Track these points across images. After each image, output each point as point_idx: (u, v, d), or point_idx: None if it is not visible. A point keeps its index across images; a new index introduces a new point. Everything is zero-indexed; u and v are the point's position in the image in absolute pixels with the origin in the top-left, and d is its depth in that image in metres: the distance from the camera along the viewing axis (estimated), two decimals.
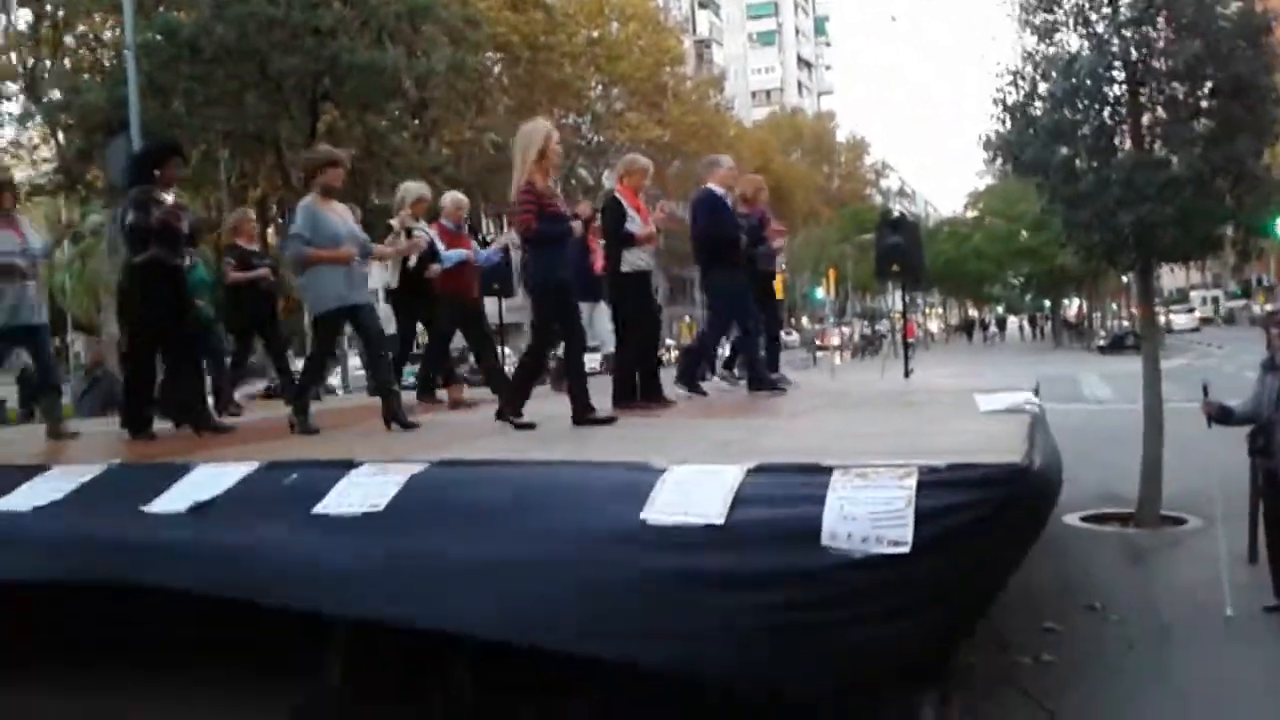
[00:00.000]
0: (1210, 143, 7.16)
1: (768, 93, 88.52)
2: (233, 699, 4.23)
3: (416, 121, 20.45)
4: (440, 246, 7.40)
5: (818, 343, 44.70)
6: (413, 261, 7.37)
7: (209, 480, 4.18)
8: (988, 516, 3.39)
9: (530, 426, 5.47)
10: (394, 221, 7.30)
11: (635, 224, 6.62)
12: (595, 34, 35.89)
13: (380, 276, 7.88)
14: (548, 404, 7.23)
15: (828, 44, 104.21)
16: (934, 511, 3.25)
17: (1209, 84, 7.28)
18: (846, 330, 45.05)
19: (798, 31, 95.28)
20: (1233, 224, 7.65)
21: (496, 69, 29.53)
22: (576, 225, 6.03)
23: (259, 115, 18.57)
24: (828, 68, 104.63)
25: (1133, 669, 4.61)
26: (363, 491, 3.93)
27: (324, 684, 4.05)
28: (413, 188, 7.68)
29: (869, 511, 3.27)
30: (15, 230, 6.20)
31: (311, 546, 3.76)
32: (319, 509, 3.85)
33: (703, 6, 79.27)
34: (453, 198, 7.96)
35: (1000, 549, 3.68)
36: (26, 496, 4.32)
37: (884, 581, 3.22)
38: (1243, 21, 7.21)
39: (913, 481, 3.33)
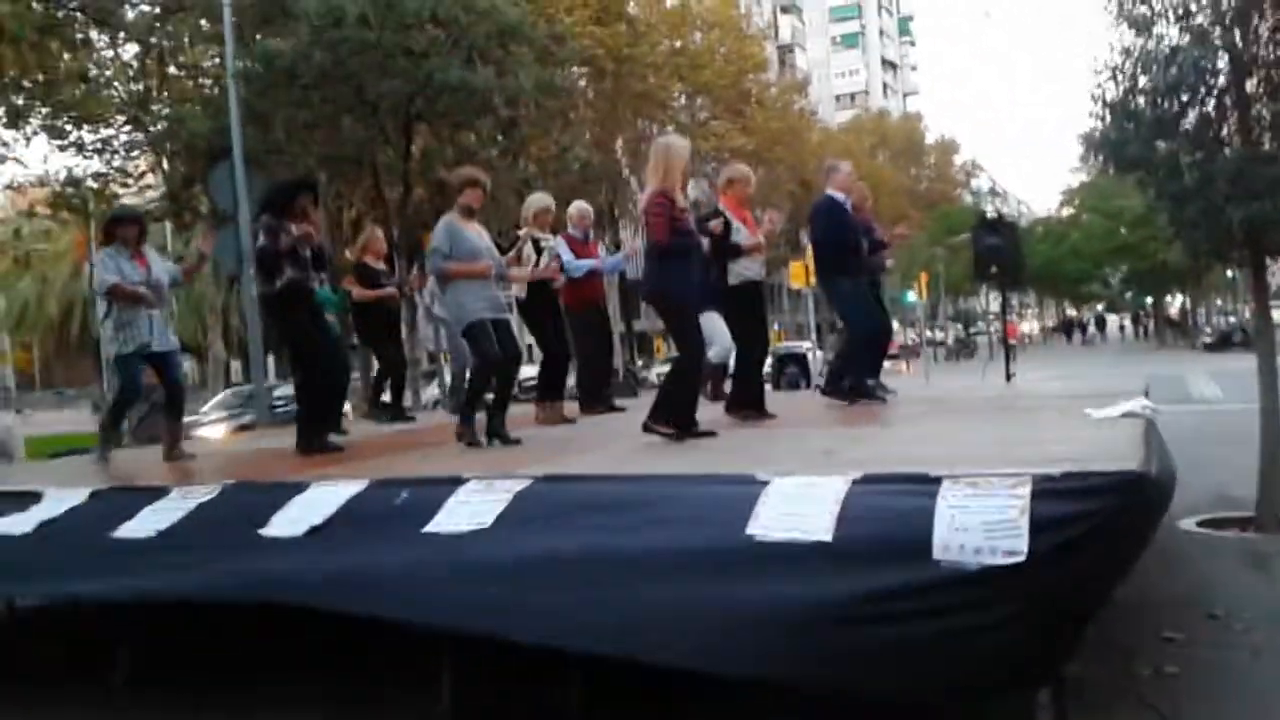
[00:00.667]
0: None
1: (852, 96, 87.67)
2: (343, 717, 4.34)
3: (504, 138, 20.76)
4: (569, 256, 7.51)
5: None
6: (544, 271, 7.50)
7: (322, 500, 4.31)
8: (1104, 525, 3.34)
9: (711, 434, 5.55)
10: (521, 232, 7.48)
11: (741, 235, 6.64)
12: (678, 44, 35.99)
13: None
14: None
15: (912, 44, 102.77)
16: (1049, 521, 3.20)
17: None
18: (929, 334, 44.21)
19: (881, 33, 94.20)
20: None
21: (582, 83, 29.80)
22: (703, 239, 6.13)
23: (356, 138, 19.06)
24: (913, 68, 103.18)
25: (1259, 678, 4.45)
26: (470, 509, 4.01)
27: (434, 704, 4.13)
28: (536, 199, 7.84)
29: (982, 521, 3.22)
30: (141, 261, 6.64)
31: (421, 563, 3.85)
32: (430, 528, 3.93)
33: (785, 11, 78.88)
34: (578, 207, 8.10)
35: (1115, 557, 3.61)
36: (149, 520, 4.49)
37: (998, 592, 3.18)
38: None
39: (1026, 490, 3.28)
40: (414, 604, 3.79)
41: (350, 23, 17.28)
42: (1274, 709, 4.14)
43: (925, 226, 58.69)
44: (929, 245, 52.70)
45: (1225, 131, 7.28)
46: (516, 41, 19.03)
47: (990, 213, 13.65)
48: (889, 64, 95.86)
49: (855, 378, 7.53)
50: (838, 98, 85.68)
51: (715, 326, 8.86)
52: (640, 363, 39.84)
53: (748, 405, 6.69)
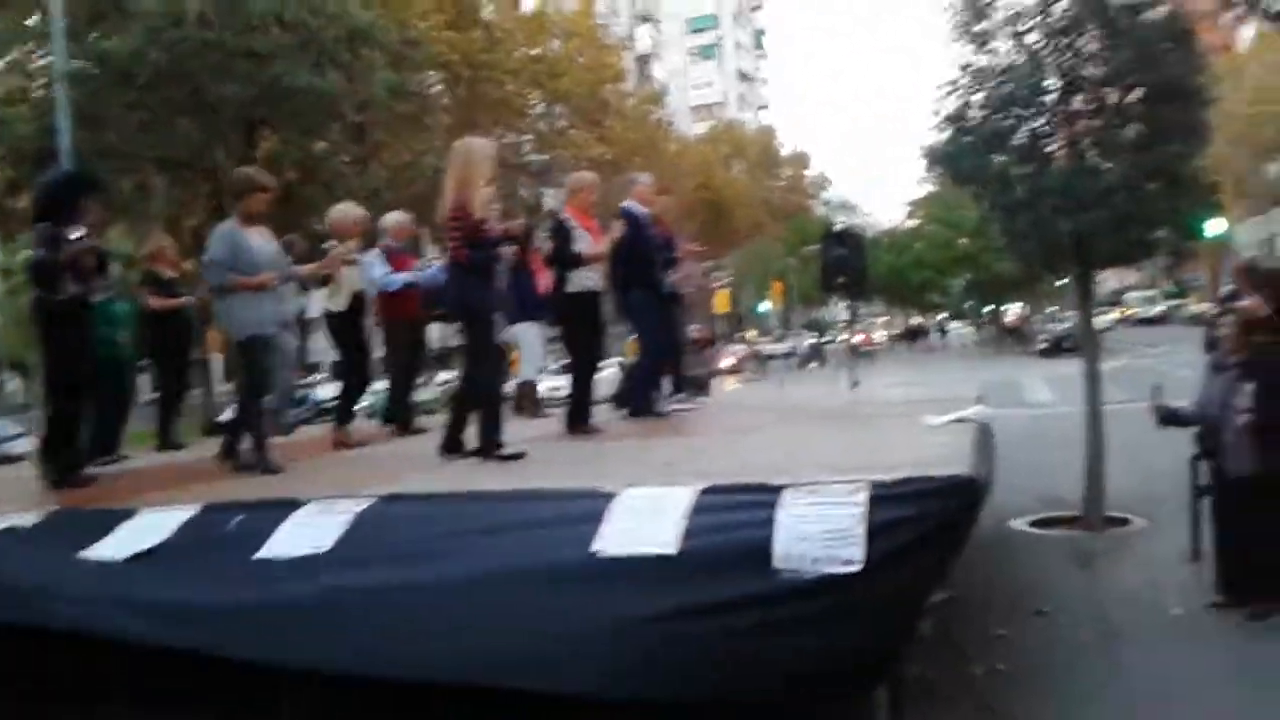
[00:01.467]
0: (1142, 148, 7.29)
1: (708, 107, 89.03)
2: None
3: (354, 144, 20.25)
4: (383, 270, 7.25)
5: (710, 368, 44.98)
6: (359, 284, 7.07)
7: (150, 526, 4.07)
8: (936, 528, 3.44)
9: (519, 456, 5.26)
10: (328, 245, 7.07)
11: (584, 243, 6.53)
12: (535, 51, 35.84)
13: (319, 303, 7.62)
14: (516, 428, 7.17)
15: (764, 57, 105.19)
16: (884, 526, 3.28)
17: (1139, 89, 7.42)
18: (782, 342, 45.33)
19: (737, 45, 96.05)
20: (1167, 227, 7.79)
21: (437, 88, 29.36)
22: (506, 251, 5.78)
23: (194, 142, 18.28)
24: (765, 81, 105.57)
25: (1084, 672, 4.65)
26: (308, 532, 3.85)
27: None
28: (342, 210, 7.38)
29: (821, 530, 3.28)
30: None
31: (256, 593, 3.68)
32: (263, 554, 3.76)
33: (643, 21, 79.65)
34: (395, 218, 7.79)
35: (945, 557, 3.72)
36: None
37: (836, 599, 3.24)
38: (1170, 25, 7.37)
39: (864, 497, 3.35)
40: (246, 638, 3.62)
41: (190, 22, 16.59)
42: (1098, 702, 4.32)
43: (779, 237, 60.18)
44: (783, 255, 54.00)
45: (1053, 147, 7.65)
46: (367, 45, 18.60)
47: (838, 225, 14.04)
48: (744, 76, 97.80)
49: (638, 398, 7.35)
50: (694, 109, 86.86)
51: (528, 340, 8.73)
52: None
53: (585, 419, 6.57)
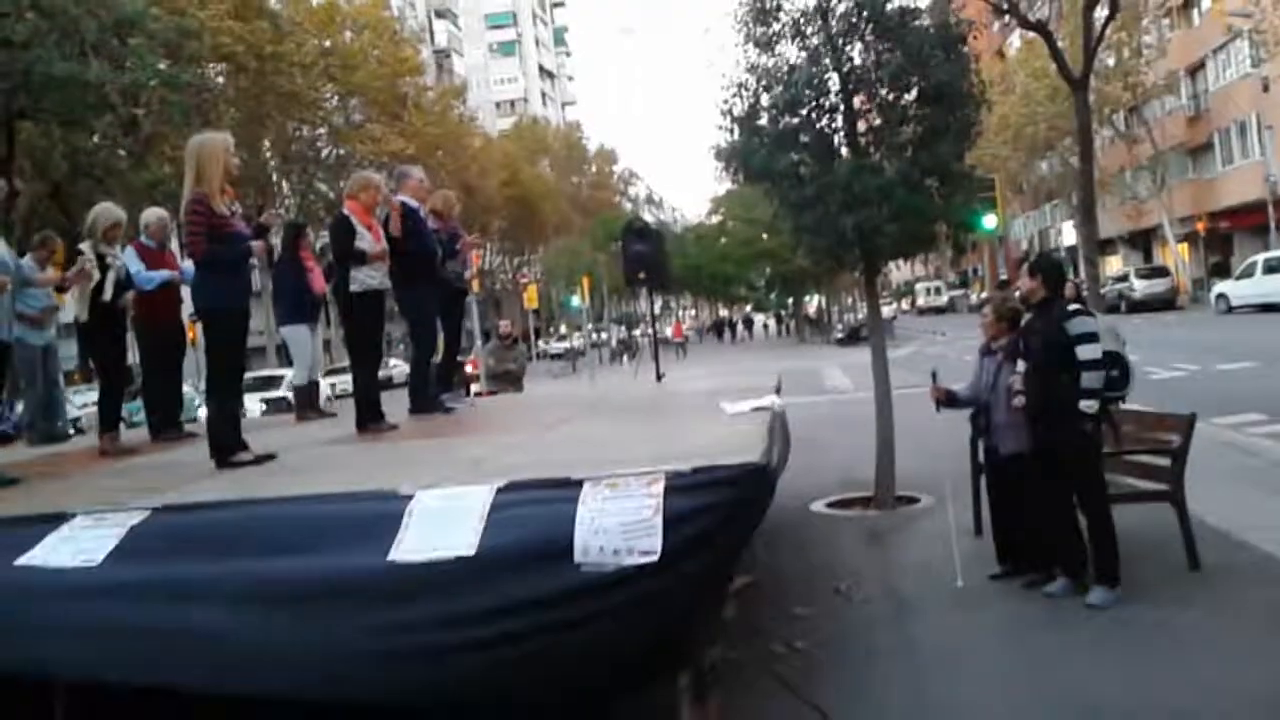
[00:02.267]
0: (918, 146, 7.70)
1: (511, 103, 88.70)
2: None
3: (127, 137, 19.01)
4: (139, 267, 6.83)
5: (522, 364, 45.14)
6: (108, 292, 6.58)
7: None
8: (731, 515, 3.52)
9: (268, 458, 5.12)
10: (84, 246, 6.62)
11: (366, 241, 6.42)
12: (327, 43, 34.76)
13: (71, 308, 7.12)
14: (288, 434, 6.89)
15: (568, 54, 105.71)
16: (681, 515, 3.32)
17: (914, 91, 7.83)
18: (593, 336, 45.68)
19: (538, 42, 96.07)
20: (944, 221, 8.25)
21: (220, 80, 28.01)
22: (258, 245, 5.55)
23: None
24: (570, 78, 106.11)
25: (876, 645, 4.86)
26: (76, 546, 3.59)
27: None
28: (104, 211, 6.87)
29: (619, 523, 3.29)
30: None
31: (20, 604, 3.42)
32: (24, 561, 3.49)
33: (440, 16, 78.41)
34: (155, 214, 7.37)
35: (740, 542, 3.82)
36: None
37: (637, 589, 3.26)
38: (940, 32, 7.81)
39: (660, 488, 3.38)
40: (20, 658, 3.39)
41: None
42: (889, 671, 4.53)
43: (586, 233, 60.54)
44: (591, 250, 54.36)
45: (837, 145, 7.97)
46: (136, 34, 17.47)
47: (638, 221, 14.22)
48: (546, 73, 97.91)
49: (419, 394, 7.26)
50: (498, 104, 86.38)
51: (300, 341, 8.45)
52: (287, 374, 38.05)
53: (376, 419, 6.43)
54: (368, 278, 6.41)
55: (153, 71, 17.29)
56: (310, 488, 4.22)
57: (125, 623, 3.37)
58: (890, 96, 7.85)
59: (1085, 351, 5.20)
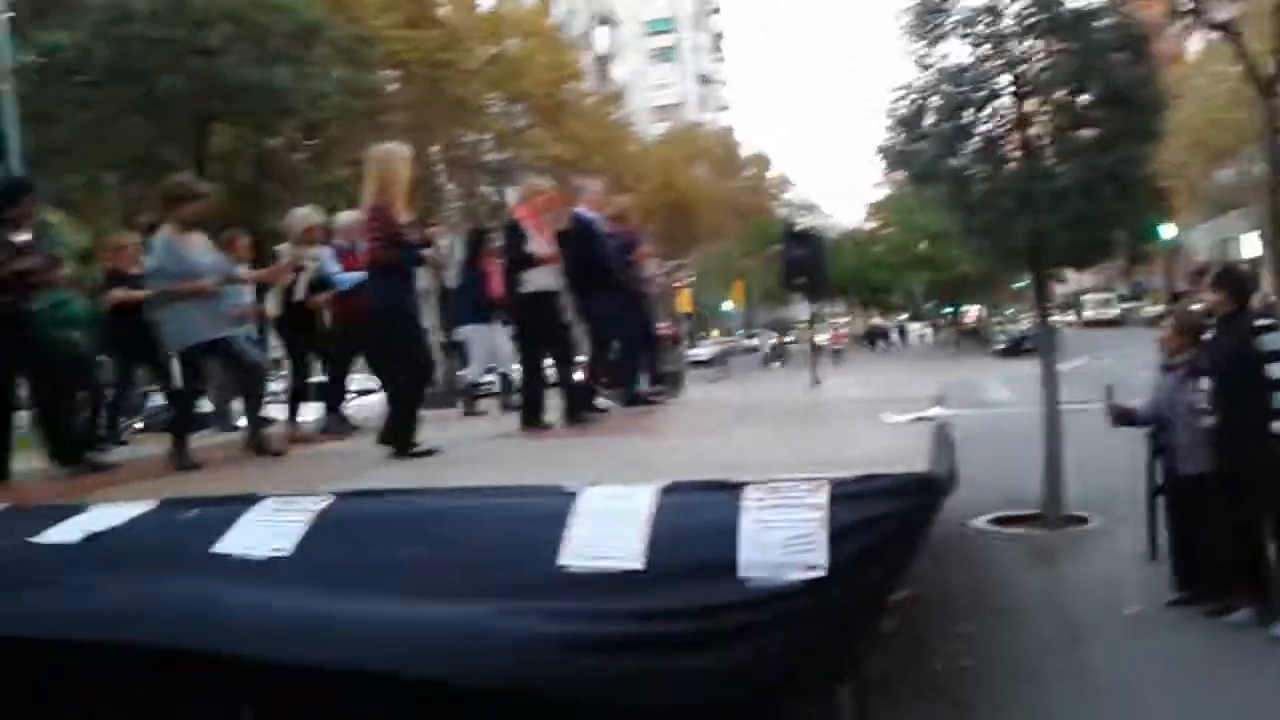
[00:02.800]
0: (1097, 151, 7.35)
1: (668, 108, 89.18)
2: None
3: (310, 142, 20.05)
4: (336, 269, 7.17)
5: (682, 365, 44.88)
6: (300, 291, 7.03)
7: (103, 521, 3.98)
8: (896, 526, 3.42)
9: (430, 453, 5.29)
10: (283, 248, 7.05)
11: (536, 245, 6.56)
12: (494, 51, 35.70)
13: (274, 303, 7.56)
14: (457, 428, 7.11)
15: (723, 60, 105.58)
16: (846, 526, 3.24)
17: (1092, 93, 7.49)
18: (745, 341, 45.41)
19: (696, 47, 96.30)
20: (1121, 229, 7.88)
21: (394, 87, 29.15)
22: (429, 253, 6.00)
23: (145, 139, 17.99)
24: (724, 83, 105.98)
25: (1046, 669, 4.67)
26: (268, 529, 3.77)
27: None
28: (301, 214, 7.37)
29: (783, 538, 3.23)
30: None
31: (215, 587, 3.58)
32: (219, 548, 3.68)
33: (602, 23, 79.59)
34: (351, 216, 7.72)
35: (905, 554, 3.71)
36: None
37: (800, 603, 3.20)
38: (1120, 33, 7.44)
39: (824, 497, 3.31)
40: (207, 632, 3.52)
41: (138, 18, 16.30)
42: (1061, 698, 4.34)
43: (741, 237, 60.33)
44: (745, 255, 54.19)
45: (1008, 148, 7.70)
46: (318, 42, 18.40)
47: (799, 225, 14.07)
48: (703, 78, 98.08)
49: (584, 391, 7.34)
50: (654, 110, 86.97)
51: (475, 341, 8.81)
52: (461, 372, 39.24)
53: (571, 415, 6.65)
54: (539, 280, 6.56)
55: (334, 79, 18.16)
56: (480, 480, 4.34)
57: (308, 606, 3.48)
58: (1066, 98, 7.54)
59: (1277, 370, 4.87)
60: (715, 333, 63.09)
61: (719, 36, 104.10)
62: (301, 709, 3.87)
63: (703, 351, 47.37)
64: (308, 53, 18.07)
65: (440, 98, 30.86)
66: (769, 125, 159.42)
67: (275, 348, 8.12)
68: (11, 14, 14.30)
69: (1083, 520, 7.54)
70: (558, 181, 8.28)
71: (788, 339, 61.29)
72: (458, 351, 10.11)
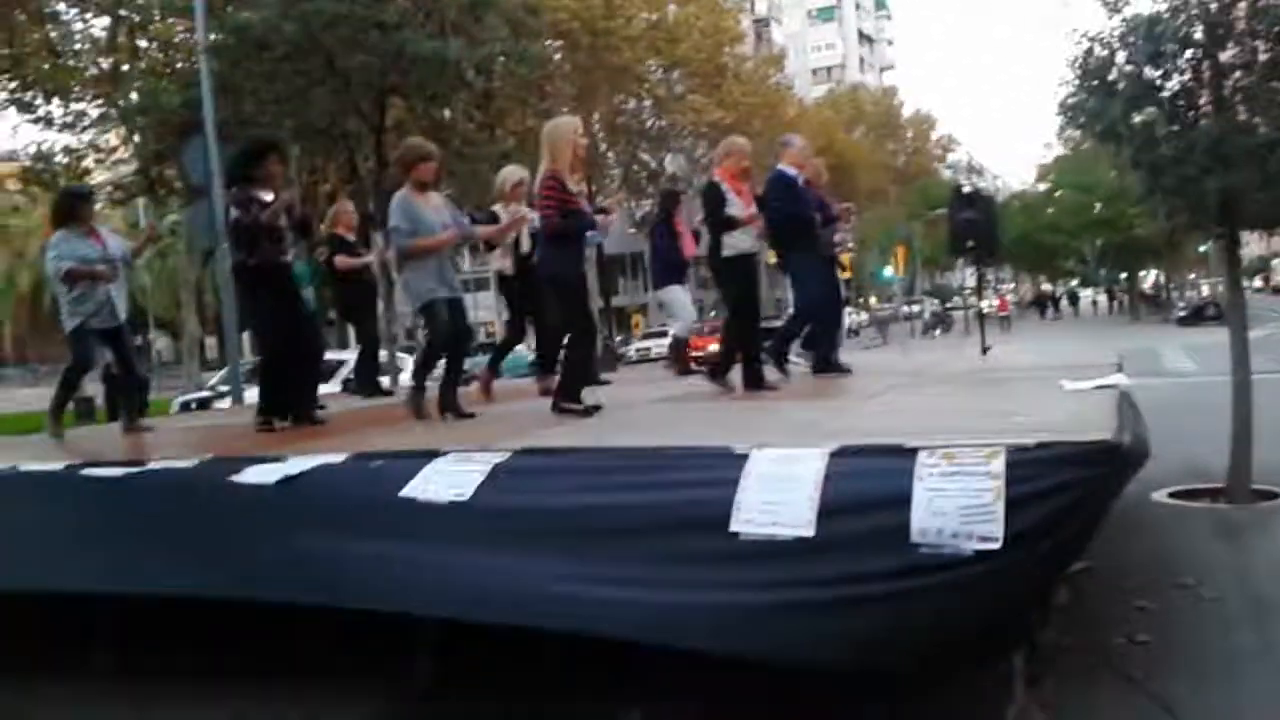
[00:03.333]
0: None
1: (828, 70, 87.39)
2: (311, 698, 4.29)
3: (479, 111, 20.66)
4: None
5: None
6: (526, 246, 7.39)
7: (297, 468, 4.23)
8: (1078, 495, 3.34)
9: (594, 409, 5.49)
10: (497, 208, 7.41)
11: (736, 207, 6.60)
12: (654, 17, 35.75)
13: (494, 264, 8.06)
14: (647, 388, 7.27)
15: (888, 17, 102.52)
16: (1023, 496, 3.19)
17: None
18: (905, 308, 44.26)
19: (858, 6, 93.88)
20: None
21: (557, 56, 29.59)
22: (602, 219, 6.20)
23: (327, 111, 18.92)
24: (889, 42, 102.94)
25: (1233, 648, 4.48)
26: (447, 480, 3.96)
27: (411, 686, 4.08)
28: (510, 171, 7.83)
29: (958, 506, 3.20)
30: (96, 238, 6.58)
31: (398, 542, 3.80)
32: (405, 492, 3.86)
33: None
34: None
35: (1087, 525, 3.62)
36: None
37: (973, 573, 3.18)
38: None
39: (1000, 466, 3.26)
40: (393, 591, 3.76)
41: None
42: (1250, 678, 4.17)
43: (903, 201, 58.84)
44: (907, 219, 52.85)
45: (1201, 102, 7.28)
46: (488, 13, 18.92)
47: (967, 187, 13.64)
48: (865, 38, 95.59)
49: (777, 349, 7.50)
50: (814, 72, 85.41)
51: (677, 300, 9.04)
52: (619, 338, 39.80)
53: (747, 380, 6.69)
54: (738, 242, 6.63)
55: (502, 46, 18.64)
56: (651, 441, 4.45)
57: (484, 561, 3.66)
58: (1269, 50, 7.06)
59: None
60: (873, 300, 61.81)
61: None
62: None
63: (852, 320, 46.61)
64: (478, 25, 18.60)
65: (601, 65, 31.15)
66: (936, 84, 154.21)
67: None
68: None
69: (1272, 495, 7.15)
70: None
71: (949, 306, 59.58)
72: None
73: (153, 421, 7.43)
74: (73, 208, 6.64)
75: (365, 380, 8.98)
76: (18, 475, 4.77)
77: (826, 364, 7.80)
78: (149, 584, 4.20)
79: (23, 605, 4.66)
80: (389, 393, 8.99)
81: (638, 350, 35.02)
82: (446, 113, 20.47)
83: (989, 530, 3.15)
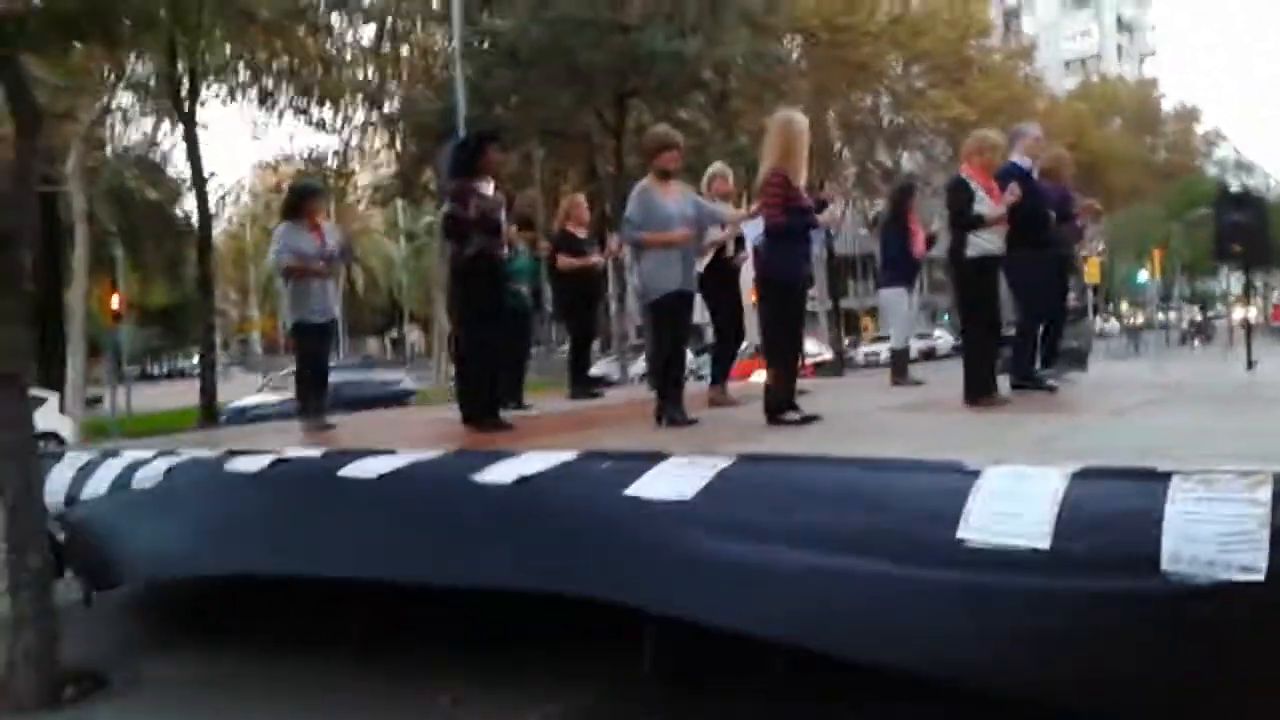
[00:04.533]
0: None
1: (1083, 61, 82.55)
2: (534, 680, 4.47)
3: (717, 111, 20.86)
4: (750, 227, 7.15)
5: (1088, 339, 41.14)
6: (730, 246, 7.06)
7: (531, 466, 4.38)
8: None
9: (813, 419, 5.38)
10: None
11: (985, 205, 6.27)
12: (897, 10, 34.89)
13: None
14: (861, 396, 7.08)
15: (1150, 2, 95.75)
16: None
17: None
18: (1160, 316, 41.05)
19: None
20: None
21: (795, 54, 29.40)
22: (826, 214, 5.95)
23: (570, 113, 19.60)
24: (1152, 28, 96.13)
25: None
26: (671, 482, 3.99)
27: (633, 671, 4.21)
28: (712, 169, 7.50)
29: (1216, 532, 2.98)
30: (318, 233, 6.88)
31: (623, 538, 3.89)
32: (631, 491, 3.95)
33: None
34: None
35: None
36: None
37: (1230, 609, 2.96)
38: None
39: (1267, 493, 3.03)
40: (620, 584, 3.86)
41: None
42: None
43: (1162, 201, 54.93)
44: (1165, 220, 49.33)
45: None
46: (728, 11, 19.04)
47: (1235, 186, 12.60)
48: (1124, 25, 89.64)
49: (1021, 366, 6.98)
50: (1067, 63, 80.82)
51: (898, 306, 8.52)
52: (847, 341, 39.19)
53: (986, 389, 6.30)
54: (985, 242, 6.26)
55: (743, 45, 18.70)
56: (878, 451, 4.38)
57: (708, 561, 3.68)
58: None
59: None
60: (1124, 306, 58.04)
61: None
62: None
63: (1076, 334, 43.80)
64: (717, 24, 18.78)
65: (841, 61, 30.71)
66: (1202, 73, 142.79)
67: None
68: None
69: None
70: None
71: (1211, 314, 55.11)
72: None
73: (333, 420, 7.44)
74: (300, 202, 6.92)
75: (574, 379, 8.75)
76: (284, 467, 5.08)
77: (1027, 378, 7.01)
78: (397, 572, 4.48)
79: (280, 588, 5.06)
80: (596, 394, 8.90)
81: (866, 355, 34.28)
82: (683, 112, 20.79)
83: (1251, 560, 2.91)
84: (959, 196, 6.32)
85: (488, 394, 6.18)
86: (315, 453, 5.23)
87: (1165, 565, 2.97)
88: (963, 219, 6.28)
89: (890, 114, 37.43)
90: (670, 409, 5.70)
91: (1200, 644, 3.00)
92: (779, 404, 5.46)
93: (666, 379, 5.83)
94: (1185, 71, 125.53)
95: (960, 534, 3.26)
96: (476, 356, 6.11)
